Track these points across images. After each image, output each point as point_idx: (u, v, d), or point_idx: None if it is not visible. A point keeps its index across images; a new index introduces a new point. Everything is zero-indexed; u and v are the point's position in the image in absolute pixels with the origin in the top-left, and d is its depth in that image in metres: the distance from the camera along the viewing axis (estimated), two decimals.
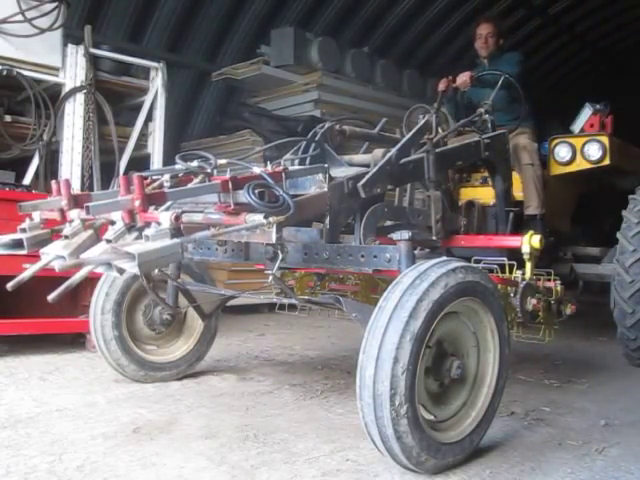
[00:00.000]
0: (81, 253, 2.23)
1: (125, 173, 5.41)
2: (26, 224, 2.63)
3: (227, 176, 2.40)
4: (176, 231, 2.09)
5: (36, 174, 4.96)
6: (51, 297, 2.13)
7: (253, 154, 3.11)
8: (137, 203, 2.15)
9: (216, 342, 3.78)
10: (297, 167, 3.12)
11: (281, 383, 3.56)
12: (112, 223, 2.31)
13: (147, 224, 2.17)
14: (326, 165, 2.89)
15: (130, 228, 2.22)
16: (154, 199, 2.23)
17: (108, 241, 2.19)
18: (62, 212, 2.58)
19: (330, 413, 3.03)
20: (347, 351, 4.52)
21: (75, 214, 2.50)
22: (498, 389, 2.55)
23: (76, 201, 2.53)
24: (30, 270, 2.54)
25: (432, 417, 2.36)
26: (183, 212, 2.18)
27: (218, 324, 3.74)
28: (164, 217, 2.09)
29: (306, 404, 3.17)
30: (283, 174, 2.61)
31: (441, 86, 4.46)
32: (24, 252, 2.62)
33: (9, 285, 2.52)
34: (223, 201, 2.38)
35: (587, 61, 12.83)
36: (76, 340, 4.34)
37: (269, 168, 2.64)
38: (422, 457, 2.20)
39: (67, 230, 2.46)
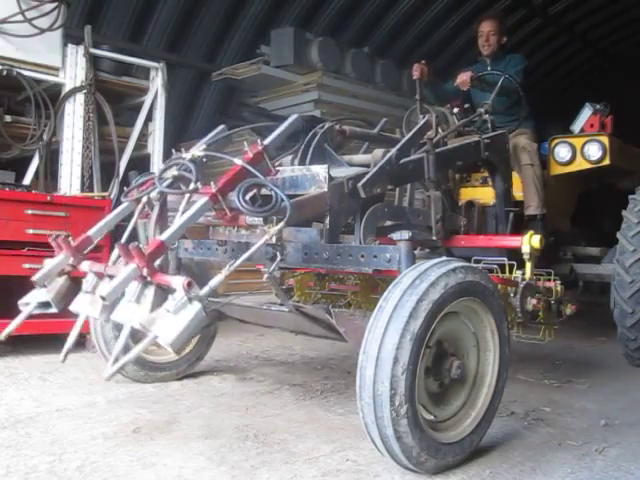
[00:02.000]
0: (109, 311, 2.25)
1: (125, 173, 5.42)
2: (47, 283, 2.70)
3: (213, 189, 2.36)
4: (191, 293, 2.10)
5: (36, 174, 4.97)
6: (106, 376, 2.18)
7: (220, 137, 3.01)
8: (145, 271, 2.20)
9: (216, 342, 3.78)
10: (291, 161, 3.14)
11: (281, 383, 3.56)
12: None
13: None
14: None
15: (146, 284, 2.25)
16: (155, 255, 2.25)
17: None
18: (74, 267, 2.69)
19: (330, 413, 3.03)
20: (347, 351, 4.52)
21: (87, 266, 2.61)
22: (498, 389, 2.55)
23: (80, 250, 2.67)
24: (73, 334, 2.68)
25: (432, 417, 2.36)
26: None
27: (218, 324, 3.74)
28: (176, 283, 2.12)
29: (306, 404, 3.17)
30: (273, 170, 2.57)
31: (415, 74, 4.32)
32: (55, 311, 2.77)
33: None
34: (218, 208, 2.38)
35: (587, 61, 12.83)
36: (76, 340, 4.33)
37: (249, 150, 2.56)
38: (422, 457, 2.20)
39: (86, 286, 2.56)
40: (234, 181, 2.40)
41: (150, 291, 2.23)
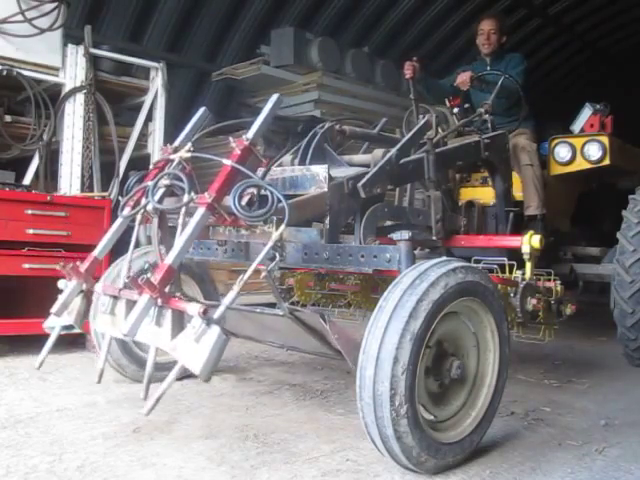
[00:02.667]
0: (134, 333, 2.26)
1: (125, 173, 5.42)
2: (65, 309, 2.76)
3: (208, 200, 2.33)
4: (208, 318, 2.11)
5: (36, 174, 4.96)
6: (146, 412, 2.21)
7: (204, 133, 2.96)
8: (159, 301, 2.23)
9: None
10: (285, 157, 3.11)
11: (281, 383, 3.56)
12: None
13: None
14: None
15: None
16: (165, 282, 2.26)
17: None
18: (88, 290, 2.75)
19: (330, 413, 3.03)
20: None
21: (100, 289, 2.63)
22: (498, 389, 2.55)
23: (90, 273, 2.71)
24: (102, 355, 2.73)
25: (432, 417, 2.36)
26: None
27: None
28: (192, 310, 2.13)
29: (306, 404, 3.17)
30: (264, 161, 2.52)
31: (407, 73, 4.30)
32: (78, 331, 2.90)
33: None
34: (217, 214, 2.36)
35: (587, 61, 12.82)
36: (76, 340, 4.33)
37: (235, 147, 2.49)
38: (422, 457, 2.20)
39: (103, 308, 2.60)
40: (227, 184, 2.37)
41: (168, 315, 2.26)
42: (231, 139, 2.52)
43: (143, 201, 2.68)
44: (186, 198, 2.40)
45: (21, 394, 3.15)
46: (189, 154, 2.64)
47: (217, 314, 2.15)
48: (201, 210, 2.34)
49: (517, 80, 4.34)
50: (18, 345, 4.13)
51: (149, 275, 2.31)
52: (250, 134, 2.55)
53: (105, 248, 2.77)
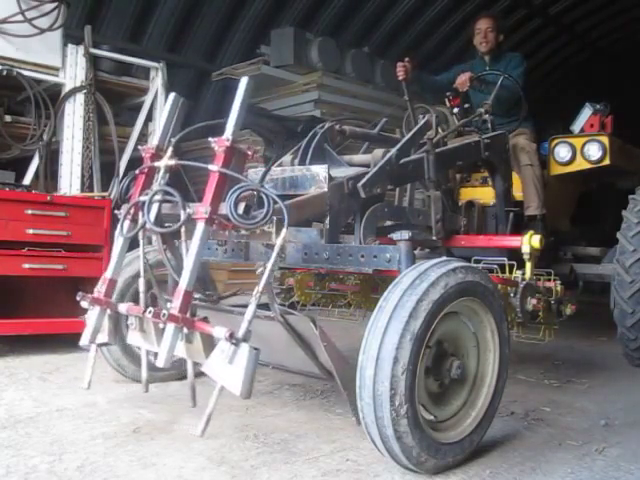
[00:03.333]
0: (169, 362, 2.28)
1: (125, 173, 5.42)
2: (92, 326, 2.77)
3: (205, 215, 2.29)
4: (235, 339, 2.12)
5: (36, 174, 4.97)
6: (200, 433, 2.22)
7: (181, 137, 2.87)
8: (185, 329, 2.25)
9: None
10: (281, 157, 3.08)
11: (281, 383, 3.56)
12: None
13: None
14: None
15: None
16: (186, 307, 2.28)
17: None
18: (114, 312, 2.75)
19: (330, 413, 3.03)
20: (347, 351, 4.48)
21: (124, 309, 2.64)
22: (498, 389, 2.55)
23: (109, 296, 2.73)
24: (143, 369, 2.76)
25: (432, 417, 2.36)
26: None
27: None
28: (218, 334, 2.15)
29: (306, 404, 3.17)
30: (250, 154, 2.41)
31: (400, 74, 4.24)
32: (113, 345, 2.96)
33: None
34: (217, 223, 2.34)
35: (587, 61, 12.82)
36: (76, 340, 4.33)
37: (217, 149, 2.38)
38: (422, 457, 2.20)
39: (132, 326, 2.61)
40: (220, 190, 2.33)
41: (197, 336, 2.28)
42: (211, 140, 2.42)
43: (140, 217, 2.63)
44: (183, 216, 2.34)
45: (21, 394, 3.15)
46: (173, 161, 2.61)
47: (242, 332, 2.14)
48: (201, 225, 2.31)
49: (517, 81, 4.34)
50: (18, 345, 4.14)
51: (165, 299, 2.31)
52: (229, 131, 2.42)
53: (117, 267, 2.79)
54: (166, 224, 2.53)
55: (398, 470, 2.29)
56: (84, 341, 2.77)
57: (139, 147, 3.02)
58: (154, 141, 2.90)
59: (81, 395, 3.15)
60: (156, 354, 2.52)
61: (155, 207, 2.53)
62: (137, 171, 2.80)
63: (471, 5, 9.46)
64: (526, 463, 2.46)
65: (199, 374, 3.16)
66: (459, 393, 2.51)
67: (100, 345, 2.80)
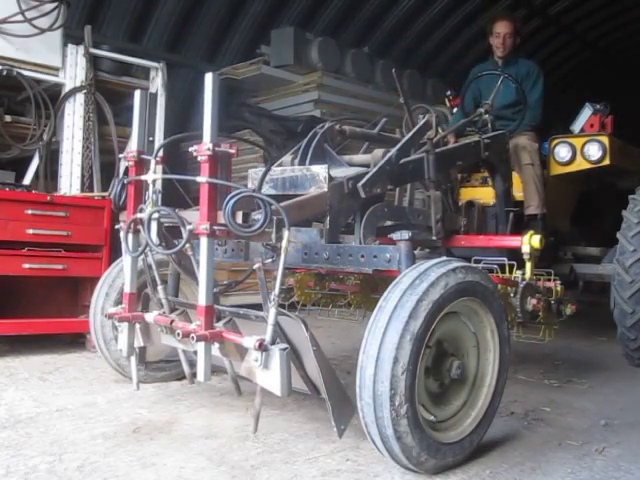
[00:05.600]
0: (208, 376, 2.33)
1: (125, 173, 5.41)
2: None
3: (205, 231, 2.27)
4: (264, 347, 2.16)
5: (36, 174, 4.97)
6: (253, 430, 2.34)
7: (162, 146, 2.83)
8: (216, 344, 2.32)
9: None
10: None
11: None
12: None
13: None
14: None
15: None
16: (210, 321, 2.32)
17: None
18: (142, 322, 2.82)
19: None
20: (347, 351, 4.52)
21: (151, 319, 2.71)
22: (498, 389, 2.55)
23: (133, 307, 2.81)
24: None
25: (432, 417, 2.36)
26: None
27: None
28: (248, 344, 2.19)
29: (306, 404, 3.17)
30: (233, 151, 2.36)
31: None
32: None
33: None
34: (220, 232, 2.33)
35: (587, 61, 12.82)
36: (76, 340, 4.34)
37: (200, 160, 2.31)
38: (422, 457, 2.20)
39: (162, 330, 2.69)
40: (213, 200, 2.31)
41: (230, 345, 2.33)
42: (191, 150, 2.34)
43: (141, 237, 2.66)
44: (185, 234, 2.33)
45: (21, 394, 3.15)
46: (159, 176, 2.63)
47: (269, 338, 2.18)
48: (204, 241, 2.31)
49: (539, 100, 4.40)
50: (18, 345, 4.14)
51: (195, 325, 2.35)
52: (207, 137, 2.32)
53: (132, 280, 2.83)
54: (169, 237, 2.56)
55: (398, 470, 2.29)
56: (125, 354, 2.87)
57: (120, 156, 3.02)
58: (133, 145, 2.86)
59: (81, 395, 3.16)
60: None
61: (154, 225, 2.55)
62: (125, 182, 2.82)
63: (471, 5, 9.46)
64: (526, 463, 2.46)
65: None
66: (459, 393, 2.51)
67: (139, 349, 2.87)
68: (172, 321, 2.58)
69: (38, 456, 2.33)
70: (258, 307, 2.43)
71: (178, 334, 2.36)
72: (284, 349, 2.16)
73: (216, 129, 2.31)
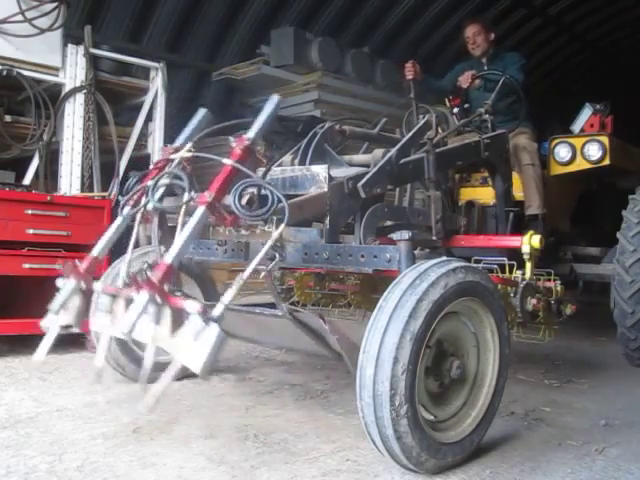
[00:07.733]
0: (132, 330, 2.19)
1: (125, 173, 5.42)
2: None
3: (208, 199, 2.29)
4: (207, 317, 2.08)
5: (36, 174, 4.96)
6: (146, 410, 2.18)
7: (204, 134, 2.89)
8: (158, 299, 2.17)
9: None
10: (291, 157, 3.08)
11: (281, 383, 3.56)
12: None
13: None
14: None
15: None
16: (165, 280, 2.22)
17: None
18: (87, 289, 2.64)
19: (330, 413, 3.03)
20: None
21: (99, 287, 2.55)
22: (498, 389, 2.55)
23: (89, 272, 2.62)
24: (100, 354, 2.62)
25: (432, 417, 2.36)
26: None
27: None
28: (191, 308, 2.11)
29: (306, 404, 3.17)
30: (264, 161, 2.49)
31: (409, 74, 4.32)
32: (77, 330, 2.76)
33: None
34: (217, 214, 2.34)
35: (587, 61, 12.82)
36: (76, 340, 4.33)
37: (236, 146, 2.44)
38: (422, 457, 2.20)
39: (102, 306, 2.53)
40: (227, 183, 2.36)
41: (167, 313, 2.22)
42: (231, 138, 2.49)
43: (143, 200, 2.66)
44: (186, 197, 2.38)
45: (21, 394, 3.15)
46: (189, 154, 2.63)
47: (216, 312, 2.12)
48: (201, 209, 2.32)
49: (517, 78, 4.35)
50: (18, 345, 4.13)
51: (149, 273, 2.29)
52: (251, 133, 2.53)
53: (105, 247, 2.74)
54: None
55: (398, 470, 2.29)
56: (45, 321, 2.64)
57: (162, 147, 3.03)
58: (176, 143, 2.87)
59: (81, 395, 3.16)
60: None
61: (161, 191, 2.54)
62: (151, 166, 2.82)
63: (471, 5, 9.46)
64: (526, 463, 2.46)
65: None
66: (459, 393, 2.51)
67: (62, 328, 2.65)
68: (120, 289, 2.45)
69: (38, 456, 2.33)
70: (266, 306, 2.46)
71: (126, 277, 2.28)
72: (224, 333, 2.09)
73: (260, 135, 2.55)
